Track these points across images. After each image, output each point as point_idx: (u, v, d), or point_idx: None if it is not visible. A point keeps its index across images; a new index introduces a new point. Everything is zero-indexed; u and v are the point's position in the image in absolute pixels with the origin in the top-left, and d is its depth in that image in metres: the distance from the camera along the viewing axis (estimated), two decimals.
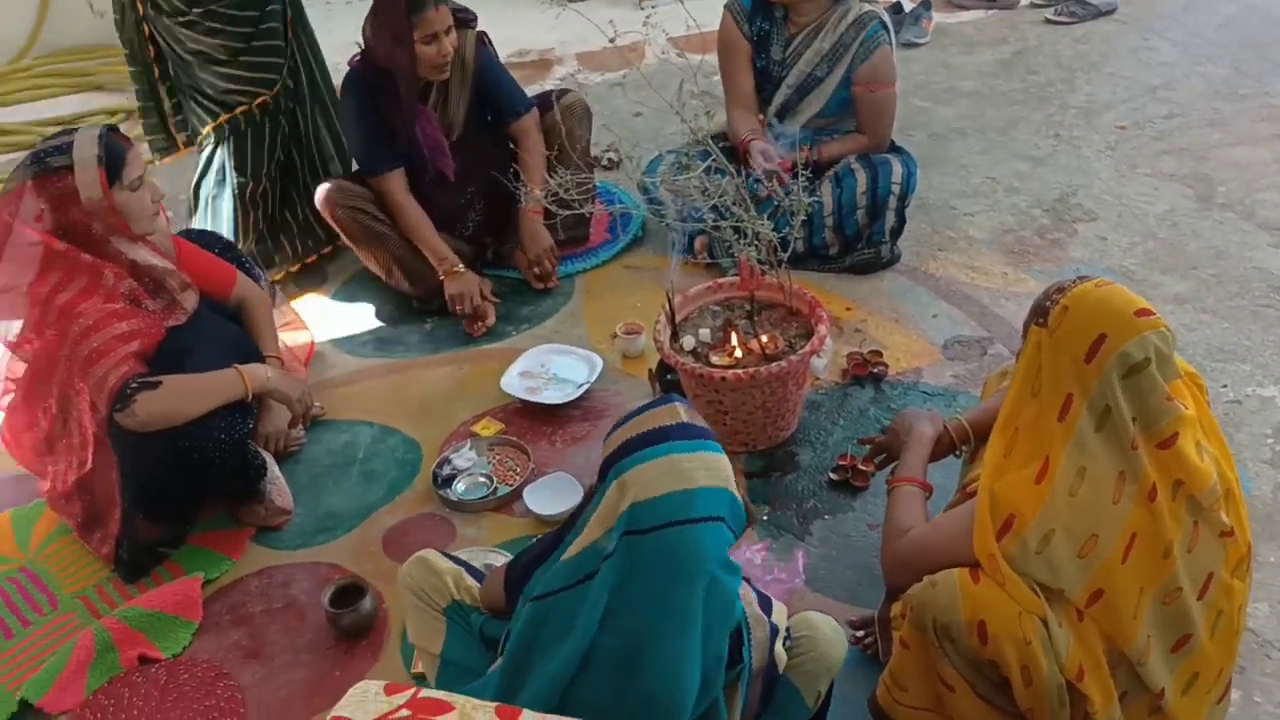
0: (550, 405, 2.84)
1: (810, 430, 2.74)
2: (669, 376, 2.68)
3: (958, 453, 2.13)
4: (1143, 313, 1.59)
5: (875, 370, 2.88)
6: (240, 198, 3.30)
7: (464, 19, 3.18)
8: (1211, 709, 1.78)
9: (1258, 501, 2.38)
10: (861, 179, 3.20)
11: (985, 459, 1.74)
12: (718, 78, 3.41)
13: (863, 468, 2.53)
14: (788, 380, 2.54)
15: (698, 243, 3.29)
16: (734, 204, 2.50)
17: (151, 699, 2.18)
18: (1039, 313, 1.65)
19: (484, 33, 3.29)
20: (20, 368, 2.45)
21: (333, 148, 3.55)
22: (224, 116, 3.24)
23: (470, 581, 1.88)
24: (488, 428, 2.81)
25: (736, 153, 3.24)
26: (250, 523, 2.56)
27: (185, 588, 2.37)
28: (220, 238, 2.96)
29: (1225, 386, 2.76)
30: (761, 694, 1.67)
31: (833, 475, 2.57)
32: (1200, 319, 3.04)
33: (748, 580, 1.79)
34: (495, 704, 1.24)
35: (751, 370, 2.46)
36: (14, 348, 2.42)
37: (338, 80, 3.36)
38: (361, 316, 3.36)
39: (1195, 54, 4.73)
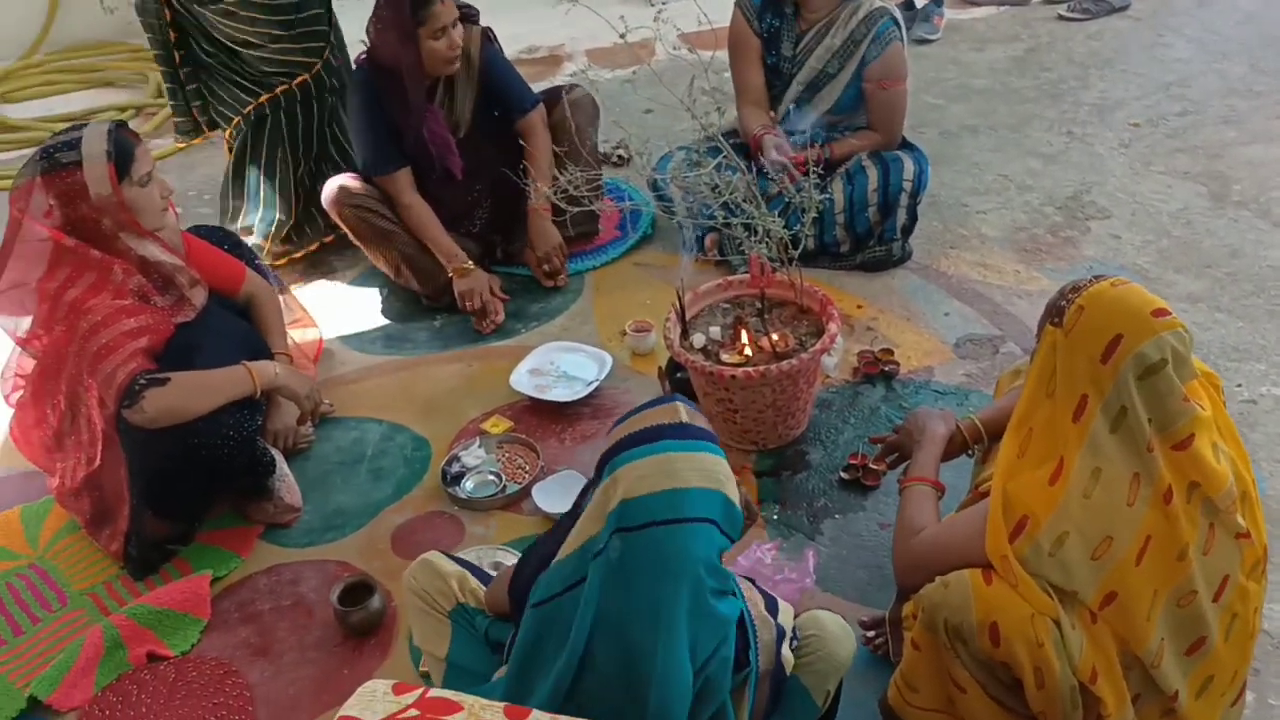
0: (559, 403, 2.83)
1: (821, 429, 2.73)
2: (679, 374, 2.67)
3: (970, 452, 2.11)
4: (1160, 313, 1.57)
5: (886, 369, 2.87)
6: (285, 174, 3.40)
7: (467, 14, 3.16)
8: (1225, 711, 1.77)
9: (1273, 502, 2.36)
10: (873, 176, 3.19)
11: (999, 459, 1.73)
12: (729, 74, 3.40)
13: (874, 467, 2.52)
14: (798, 378, 2.53)
15: (708, 240, 3.27)
16: (745, 201, 2.49)
17: (160, 696, 2.18)
18: (1054, 312, 1.63)
19: (489, 29, 3.27)
20: (29, 364, 2.45)
21: None
22: (265, 96, 3.32)
23: (475, 584, 1.87)
24: (497, 425, 2.80)
25: (748, 150, 3.23)
26: (259, 520, 2.56)
27: (194, 585, 2.37)
28: (229, 234, 2.96)
29: (1240, 386, 2.74)
30: (769, 696, 1.66)
31: (844, 474, 2.56)
32: (1215, 318, 3.02)
33: (752, 581, 1.79)
34: (504, 704, 1.24)
35: (762, 368, 2.45)
36: (23, 344, 2.42)
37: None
38: (370, 313, 3.35)
39: (1211, 50, 4.70)
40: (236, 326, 2.66)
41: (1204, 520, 1.62)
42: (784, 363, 2.46)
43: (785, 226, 2.53)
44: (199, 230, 2.82)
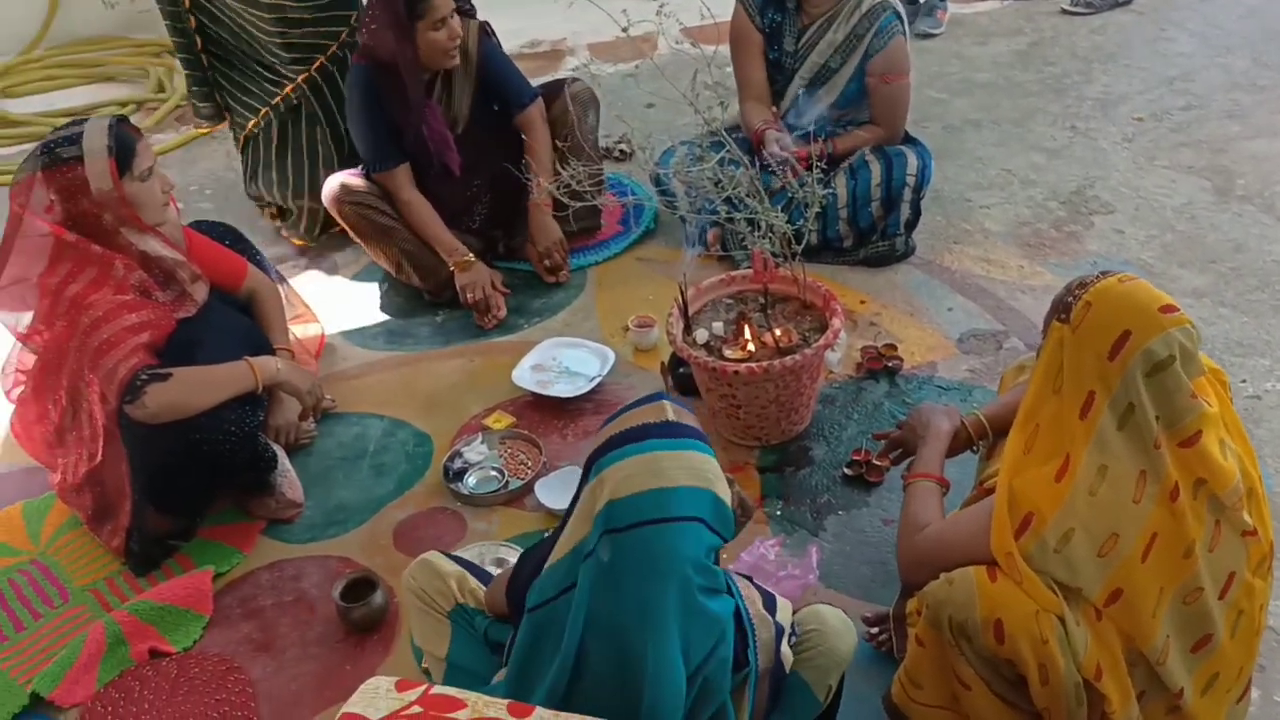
0: (562, 398, 2.82)
1: (824, 425, 2.72)
2: (681, 370, 2.67)
3: (974, 448, 2.11)
4: (1167, 309, 1.56)
5: (890, 364, 2.86)
6: (328, 151, 3.48)
7: (464, 8, 3.15)
8: (1231, 708, 1.76)
9: (1279, 498, 2.35)
10: (876, 171, 3.18)
11: (1004, 455, 1.72)
12: (731, 69, 3.39)
13: (878, 463, 2.51)
14: (801, 374, 2.52)
15: (711, 235, 3.26)
16: (748, 196, 2.48)
17: (162, 692, 2.17)
18: (1061, 308, 1.62)
19: (487, 23, 3.25)
20: (30, 359, 2.45)
21: None
22: (289, 87, 3.37)
23: (474, 584, 1.86)
24: (499, 421, 2.80)
25: (751, 145, 3.21)
26: (261, 515, 2.56)
27: (196, 581, 2.37)
28: (231, 229, 2.95)
29: (1244, 381, 2.73)
30: (770, 694, 1.65)
31: (847, 470, 2.56)
32: (1219, 313, 3.01)
33: (750, 579, 1.78)
34: (507, 700, 1.24)
35: (765, 364, 2.44)
36: (24, 339, 2.41)
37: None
38: (372, 309, 3.34)
39: (1214, 45, 4.68)
40: (238, 322, 2.66)
41: (1210, 517, 1.61)
42: (787, 358, 2.45)
43: (788, 221, 2.53)
44: (200, 225, 2.81)
